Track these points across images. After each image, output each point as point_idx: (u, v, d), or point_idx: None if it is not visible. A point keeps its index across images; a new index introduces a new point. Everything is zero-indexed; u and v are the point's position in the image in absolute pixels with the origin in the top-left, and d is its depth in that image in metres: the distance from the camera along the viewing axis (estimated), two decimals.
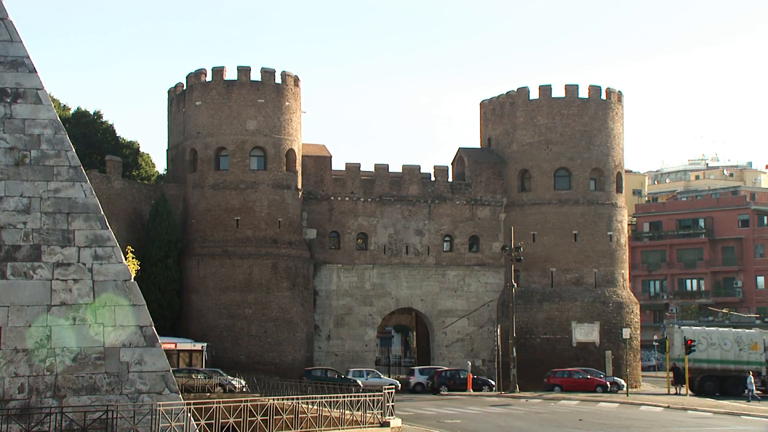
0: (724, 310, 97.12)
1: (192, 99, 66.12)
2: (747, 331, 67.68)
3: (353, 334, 67.28)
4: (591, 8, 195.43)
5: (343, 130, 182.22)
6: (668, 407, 49.49)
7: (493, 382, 63.64)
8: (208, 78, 65.71)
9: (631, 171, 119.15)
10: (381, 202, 68.99)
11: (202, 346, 58.81)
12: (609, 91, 71.14)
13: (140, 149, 76.89)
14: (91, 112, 73.94)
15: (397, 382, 62.34)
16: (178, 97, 68.41)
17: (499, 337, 65.64)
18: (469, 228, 70.49)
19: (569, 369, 63.89)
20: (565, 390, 60.72)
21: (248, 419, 26.54)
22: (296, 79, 66.91)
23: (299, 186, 66.61)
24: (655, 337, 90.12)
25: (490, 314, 69.80)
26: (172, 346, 57.71)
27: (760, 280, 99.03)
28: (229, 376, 53.50)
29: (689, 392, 60.84)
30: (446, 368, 64.96)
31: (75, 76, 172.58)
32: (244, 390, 48.86)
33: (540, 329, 68.24)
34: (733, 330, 67.55)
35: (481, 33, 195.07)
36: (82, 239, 23.74)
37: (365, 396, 30.54)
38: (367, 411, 30.01)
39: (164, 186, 67.61)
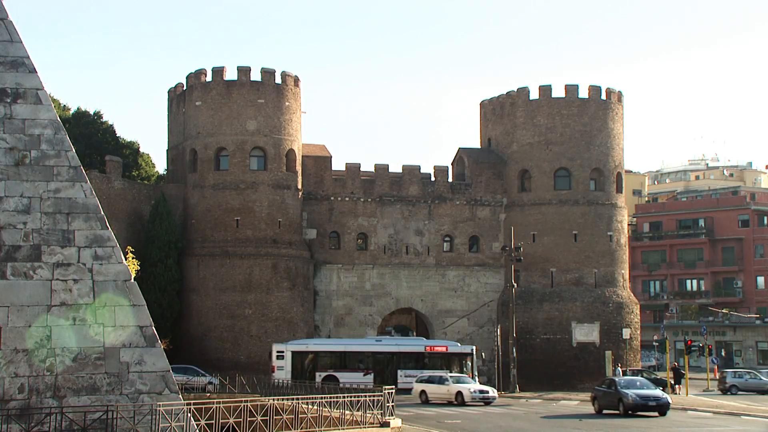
0: (724, 311, 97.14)
1: (192, 99, 66.13)
2: None
3: (353, 334, 67.20)
4: (591, 8, 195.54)
5: (343, 130, 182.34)
6: None
7: None
8: (208, 78, 65.73)
9: (631, 171, 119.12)
10: (381, 202, 69.01)
11: (471, 349, 60.84)
12: (609, 91, 71.13)
13: (140, 149, 76.92)
14: (91, 112, 73.95)
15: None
16: (178, 97, 68.43)
17: (499, 337, 65.64)
18: (469, 228, 70.51)
19: None
20: None
21: (248, 419, 26.53)
22: (296, 80, 66.92)
23: (299, 186, 66.62)
24: (655, 338, 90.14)
25: (490, 314, 69.81)
26: (444, 350, 60.33)
27: (760, 280, 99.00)
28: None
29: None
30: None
31: (75, 76, 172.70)
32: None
33: (540, 329, 68.22)
34: None
35: (481, 33, 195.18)
36: (82, 239, 23.73)
37: (365, 396, 30.55)
38: (367, 411, 30.01)
39: (164, 186, 67.61)
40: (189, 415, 23.36)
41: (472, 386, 51.04)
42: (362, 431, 28.83)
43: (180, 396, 23.76)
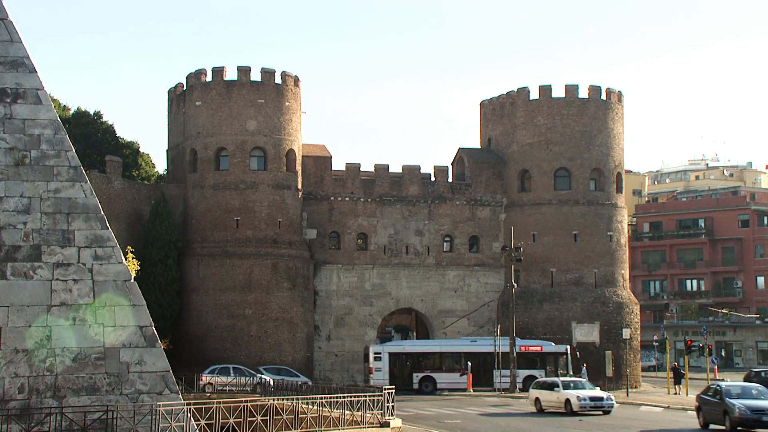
0: (724, 311, 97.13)
1: (192, 99, 66.11)
2: None
3: (353, 334, 67.26)
4: (591, 8, 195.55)
5: (343, 130, 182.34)
6: (668, 407, 49.41)
7: None
8: (208, 78, 65.69)
9: (631, 171, 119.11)
10: (381, 202, 68.99)
11: (565, 348, 62.12)
12: (609, 91, 71.11)
13: (140, 149, 76.82)
14: (91, 112, 73.87)
15: None
16: (178, 97, 68.42)
17: (499, 337, 65.59)
18: (469, 228, 70.50)
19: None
20: None
21: (248, 419, 26.53)
22: (296, 80, 66.90)
23: (299, 186, 66.61)
24: (655, 338, 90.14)
25: (490, 314, 69.80)
26: (538, 349, 61.19)
27: (760, 280, 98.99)
28: None
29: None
30: None
31: (75, 76, 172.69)
32: None
33: (540, 329, 68.18)
34: None
35: (481, 33, 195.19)
36: (82, 239, 23.74)
37: (365, 396, 30.53)
38: (367, 411, 29.99)
39: (164, 186, 67.58)
40: (189, 415, 23.37)
41: (581, 392, 44.39)
42: (362, 431, 28.82)
43: (180, 396, 23.78)
